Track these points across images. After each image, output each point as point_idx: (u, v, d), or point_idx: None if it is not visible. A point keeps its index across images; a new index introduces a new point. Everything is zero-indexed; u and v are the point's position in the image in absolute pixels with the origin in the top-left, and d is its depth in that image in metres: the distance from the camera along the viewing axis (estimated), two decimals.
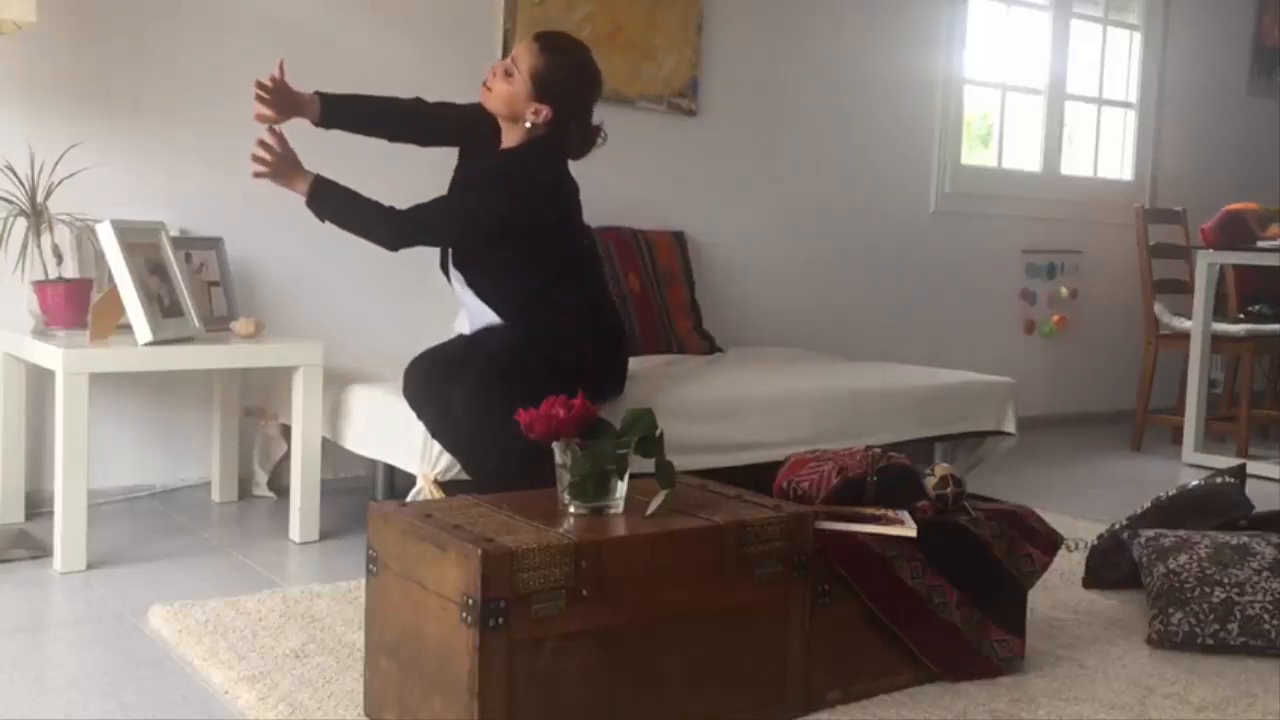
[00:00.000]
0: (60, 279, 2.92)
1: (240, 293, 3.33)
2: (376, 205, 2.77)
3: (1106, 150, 5.68)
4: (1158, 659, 2.28)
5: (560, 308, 2.82)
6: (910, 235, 4.93)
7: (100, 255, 2.86)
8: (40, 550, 2.74)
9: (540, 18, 3.83)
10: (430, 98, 3.70)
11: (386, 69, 3.63)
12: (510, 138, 2.88)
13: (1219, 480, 2.88)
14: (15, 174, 2.96)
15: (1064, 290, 5.41)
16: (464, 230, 2.84)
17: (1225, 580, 2.36)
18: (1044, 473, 4.30)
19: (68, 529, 2.63)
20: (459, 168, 2.99)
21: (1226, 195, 5.11)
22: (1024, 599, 2.20)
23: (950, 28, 4.93)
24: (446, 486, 2.68)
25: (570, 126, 2.85)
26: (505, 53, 3.78)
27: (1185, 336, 4.73)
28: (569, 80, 2.83)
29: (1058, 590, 2.69)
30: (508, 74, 2.82)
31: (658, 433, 1.86)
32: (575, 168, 2.93)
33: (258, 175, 2.73)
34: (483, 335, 2.88)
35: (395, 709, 1.80)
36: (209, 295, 3.22)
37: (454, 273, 2.91)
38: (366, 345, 3.58)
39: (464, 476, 2.71)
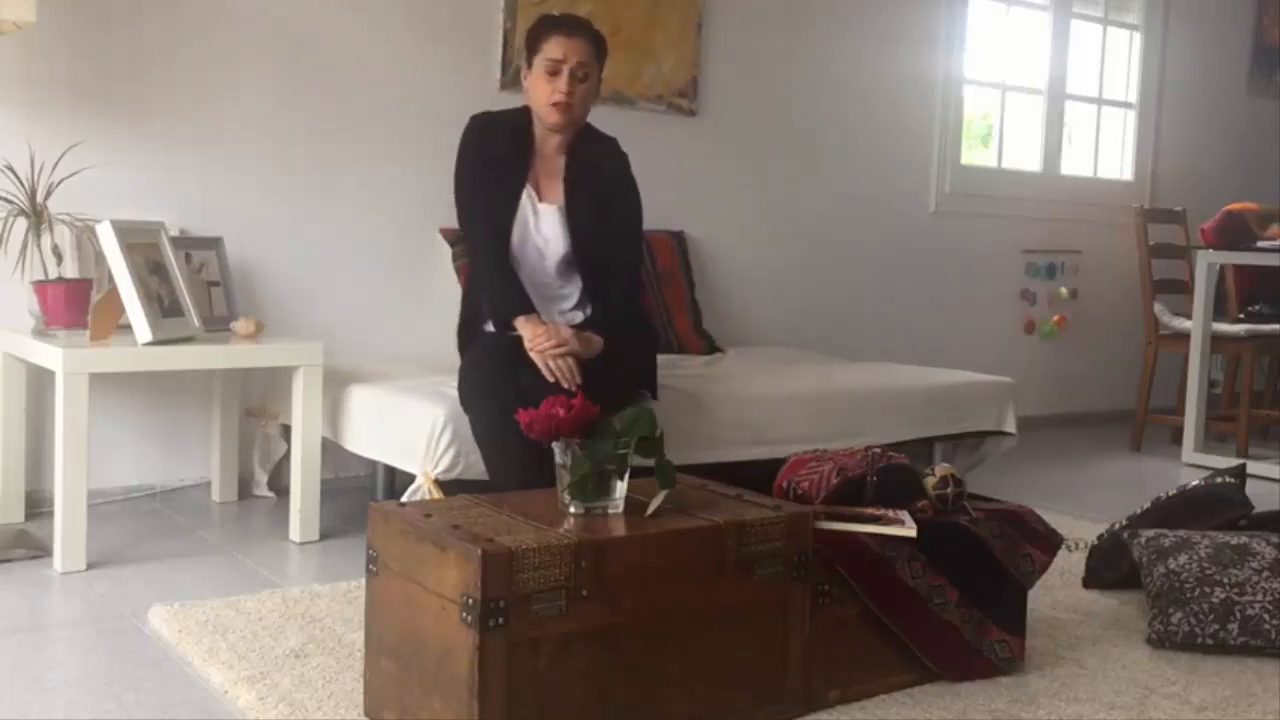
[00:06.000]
0: (60, 279, 2.92)
1: (240, 293, 3.33)
2: (625, 298, 2.89)
3: (1106, 150, 5.67)
4: (1158, 659, 2.28)
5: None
6: (910, 235, 4.93)
7: (100, 255, 2.86)
8: (40, 550, 2.74)
9: None
10: (429, 95, 3.72)
11: (387, 68, 3.63)
12: (566, 133, 2.88)
13: (1219, 480, 2.88)
14: (15, 174, 2.96)
15: (1064, 290, 5.41)
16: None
17: (1225, 580, 2.36)
18: (1044, 473, 4.30)
19: (68, 529, 2.63)
20: (580, 174, 2.90)
21: (1226, 195, 5.11)
22: (1024, 599, 2.20)
23: (950, 28, 4.93)
24: (446, 486, 2.68)
25: None
26: (505, 52, 3.79)
27: (1185, 336, 4.73)
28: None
29: (1058, 590, 2.69)
30: (583, 78, 2.81)
31: (658, 433, 1.86)
32: None
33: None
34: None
35: (395, 709, 1.80)
36: (209, 295, 3.22)
37: (561, 274, 2.90)
38: (366, 345, 3.58)
39: (465, 476, 2.71)
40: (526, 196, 2.87)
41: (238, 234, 3.37)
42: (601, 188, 2.88)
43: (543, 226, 2.87)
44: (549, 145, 2.90)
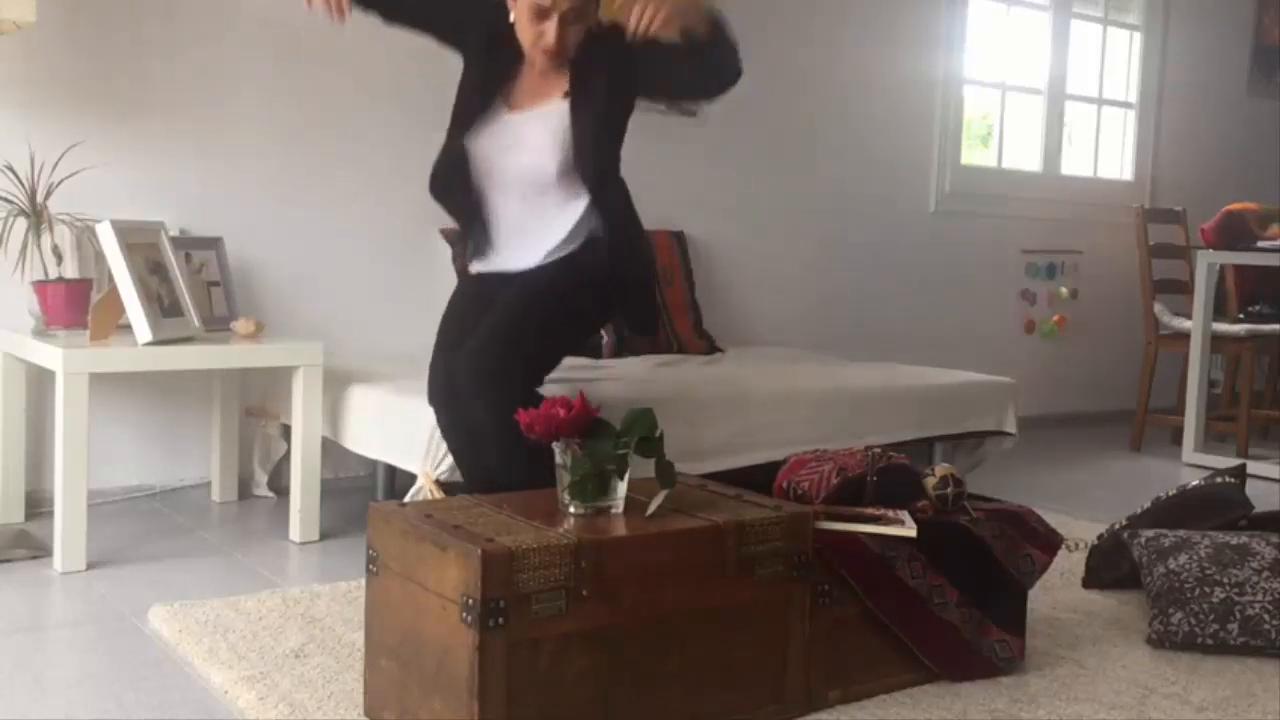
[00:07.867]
0: (60, 279, 2.92)
1: (240, 293, 3.33)
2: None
3: (1106, 150, 5.68)
4: (1158, 659, 2.28)
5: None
6: (910, 235, 4.93)
7: (100, 255, 2.86)
8: (40, 550, 2.74)
9: None
10: (429, 97, 3.70)
11: (386, 68, 3.63)
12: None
13: (1219, 480, 2.88)
14: (15, 174, 2.96)
15: (1064, 290, 5.41)
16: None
17: (1225, 580, 2.36)
18: (1044, 473, 4.30)
19: (68, 529, 2.63)
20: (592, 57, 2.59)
21: (1226, 195, 5.11)
22: (1024, 599, 2.20)
23: (950, 28, 4.93)
24: (447, 486, 2.68)
25: None
26: None
27: (1185, 336, 4.73)
28: None
29: (1058, 590, 2.69)
30: (575, 19, 2.52)
31: (657, 433, 1.86)
32: None
33: None
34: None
35: (395, 709, 1.80)
36: (209, 295, 3.22)
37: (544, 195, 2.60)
38: (366, 345, 3.58)
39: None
40: (498, 112, 2.60)
41: (238, 234, 3.37)
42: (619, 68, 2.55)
43: (525, 137, 2.57)
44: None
